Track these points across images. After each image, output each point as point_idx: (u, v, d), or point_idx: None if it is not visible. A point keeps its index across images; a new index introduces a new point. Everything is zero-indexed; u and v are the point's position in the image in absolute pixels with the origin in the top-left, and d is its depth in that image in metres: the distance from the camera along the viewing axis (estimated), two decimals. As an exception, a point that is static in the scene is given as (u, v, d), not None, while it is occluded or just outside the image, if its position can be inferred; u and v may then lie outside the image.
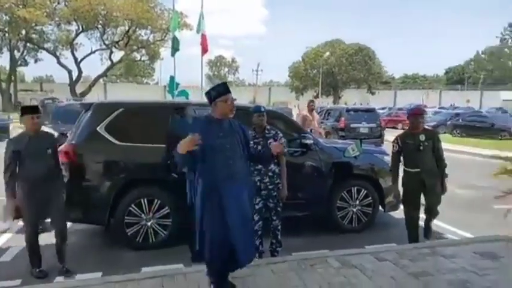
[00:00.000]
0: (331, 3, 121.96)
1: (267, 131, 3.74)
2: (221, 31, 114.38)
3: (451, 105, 43.59)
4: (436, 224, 4.64)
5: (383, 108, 31.34)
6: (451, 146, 13.17)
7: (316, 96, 44.52)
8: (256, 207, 3.66)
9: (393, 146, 4.20)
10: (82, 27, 29.05)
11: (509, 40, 55.34)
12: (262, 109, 3.78)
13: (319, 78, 43.06)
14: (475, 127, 17.96)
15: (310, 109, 7.74)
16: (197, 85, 16.21)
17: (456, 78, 68.60)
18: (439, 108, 36.09)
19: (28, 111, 3.46)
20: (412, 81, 72.22)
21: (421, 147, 3.97)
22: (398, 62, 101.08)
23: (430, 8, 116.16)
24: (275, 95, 52.66)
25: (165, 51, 32.36)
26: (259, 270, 3.32)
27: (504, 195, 4.23)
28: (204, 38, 12.99)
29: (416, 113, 4.13)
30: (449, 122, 20.31)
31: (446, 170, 4.15)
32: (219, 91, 2.69)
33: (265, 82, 72.16)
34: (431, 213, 4.18)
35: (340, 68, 47.57)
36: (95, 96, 29.87)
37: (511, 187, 4.25)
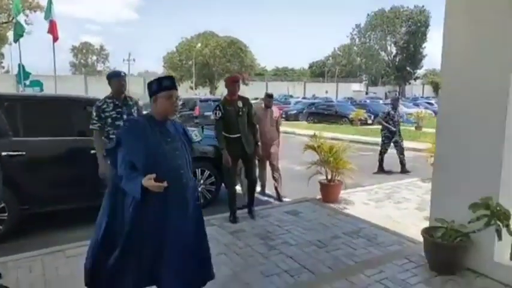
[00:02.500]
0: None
1: (129, 99, 3.73)
2: (88, 15, 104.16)
3: (312, 95, 49.16)
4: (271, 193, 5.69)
5: (256, 99, 33.49)
6: (303, 131, 15.19)
7: (192, 88, 45.08)
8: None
9: (215, 113, 4.26)
10: None
11: (357, 39, 64.45)
12: (123, 74, 3.71)
13: (193, 69, 43.32)
14: (324, 114, 20.97)
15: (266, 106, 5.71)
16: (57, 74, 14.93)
17: (318, 72, 76.80)
18: (302, 98, 40.23)
19: None
20: (282, 74, 78.37)
21: (240, 113, 4.23)
22: (271, 55, 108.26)
23: (296, 7, 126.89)
24: (150, 86, 50.98)
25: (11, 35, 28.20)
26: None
27: (310, 166, 5.38)
28: (53, 25, 12.01)
29: (233, 80, 4.35)
30: (305, 111, 23.09)
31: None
32: (161, 84, 2.20)
33: (140, 72, 69.08)
34: (252, 178, 4.51)
35: (214, 59, 48.76)
36: None
37: (314, 159, 5.43)
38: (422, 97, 44.43)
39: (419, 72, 64.69)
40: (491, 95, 3.00)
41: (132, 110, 3.68)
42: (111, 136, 3.52)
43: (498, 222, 2.82)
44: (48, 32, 12.12)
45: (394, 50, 60.87)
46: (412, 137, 12.11)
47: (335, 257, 3.48)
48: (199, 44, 43.83)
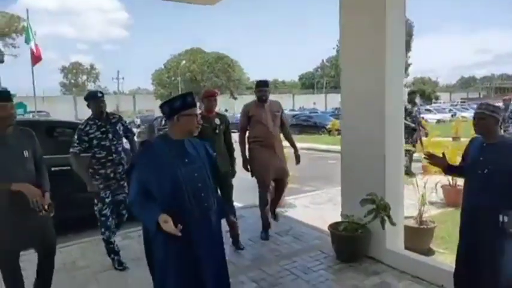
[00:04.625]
0: (195, 12, 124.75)
1: (111, 117, 3.62)
2: (78, 35, 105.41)
3: (300, 107, 50.04)
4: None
5: None
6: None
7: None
8: (107, 200, 3.49)
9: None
10: None
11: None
12: (100, 94, 3.59)
13: (182, 85, 44.08)
14: (304, 125, 21.62)
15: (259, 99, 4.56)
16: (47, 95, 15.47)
17: (308, 83, 77.98)
18: (290, 110, 41.04)
19: None
20: (273, 87, 79.49)
21: (217, 131, 3.88)
22: (262, 69, 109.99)
23: (285, 19, 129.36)
24: (141, 103, 51.66)
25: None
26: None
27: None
28: (36, 48, 12.63)
29: (209, 95, 3.93)
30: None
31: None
32: (186, 102, 2.07)
33: (132, 90, 69.75)
34: (229, 198, 3.99)
35: (202, 75, 49.67)
36: None
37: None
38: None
39: (408, 80, 66.19)
40: (372, 100, 3.54)
41: (117, 128, 3.59)
42: (97, 156, 3.47)
43: (381, 214, 3.32)
44: (32, 55, 12.70)
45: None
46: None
47: (259, 252, 3.95)
48: (184, 61, 44.63)
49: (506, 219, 2.27)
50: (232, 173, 4.11)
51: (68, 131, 5.38)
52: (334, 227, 3.75)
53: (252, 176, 4.32)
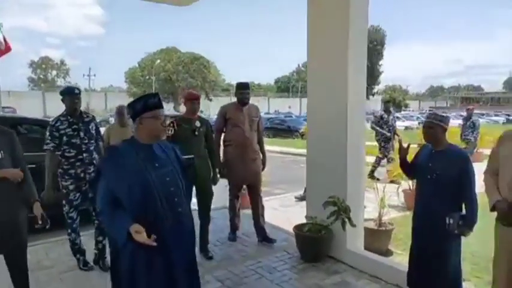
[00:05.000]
0: (171, 11, 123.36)
1: (84, 115, 3.54)
2: (50, 29, 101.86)
3: (275, 110, 50.49)
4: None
5: None
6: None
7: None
8: (75, 203, 3.45)
9: (168, 129, 3.83)
10: None
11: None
12: (77, 91, 3.50)
13: (156, 84, 43.58)
14: (278, 129, 21.93)
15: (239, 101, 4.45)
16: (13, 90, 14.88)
17: (284, 87, 78.69)
18: (265, 113, 41.33)
19: None
20: (253, 88, 79.79)
21: (196, 133, 3.78)
22: (238, 71, 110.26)
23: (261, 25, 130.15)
24: (113, 101, 50.59)
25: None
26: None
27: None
28: (4, 39, 12.20)
29: (192, 98, 3.86)
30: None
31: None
32: (147, 103, 1.97)
33: (104, 87, 68.09)
34: (207, 207, 3.98)
35: (177, 75, 49.25)
36: None
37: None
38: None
39: (379, 87, 68.11)
40: (334, 104, 3.72)
41: (90, 127, 3.52)
42: (66, 154, 3.40)
43: (342, 216, 3.49)
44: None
45: (352, 67, 63.65)
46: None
47: (226, 253, 4.03)
48: (158, 60, 44.15)
49: (451, 221, 2.47)
50: (214, 180, 3.98)
51: (35, 127, 5.29)
52: (299, 228, 3.90)
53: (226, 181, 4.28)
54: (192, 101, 3.83)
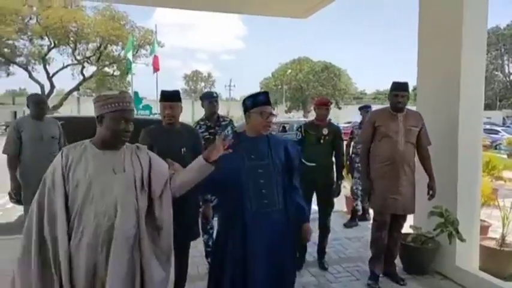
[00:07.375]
0: (303, 23, 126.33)
1: (221, 119, 3.57)
2: (200, 46, 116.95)
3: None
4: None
5: (348, 122, 32.20)
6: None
7: (287, 111, 47.21)
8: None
9: (296, 134, 3.88)
10: (54, 43, 30.14)
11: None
12: (215, 94, 3.59)
13: (288, 93, 45.35)
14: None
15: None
16: (157, 99, 18.32)
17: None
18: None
19: None
20: (383, 97, 75.67)
21: (322, 141, 3.65)
22: (371, 78, 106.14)
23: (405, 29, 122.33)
24: (248, 109, 54.68)
25: (136, 66, 33.69)
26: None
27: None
28: (155, 59, 15.04)
29: (320, 103, 3.75)
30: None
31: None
32: (256, 100, 2.13)
33: (242, 96, 74.25)
34: (325, 216, 3.74)
35: (308, 84, 50.28)
36: (68, 110, 30.92)
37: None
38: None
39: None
40: (446, 104, 3.46)
41: (227, 130, 3.49)
42: None
43: (449, 228, 3.20)
44: (152, 65, 15.13)
45: (512, 70, 54.33)
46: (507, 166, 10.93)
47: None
48: (289, 70, 45.79)
49: None
50: (336, 190, 3.69)
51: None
52: (403, 237, 3.70)
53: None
54: (321, 106, 3.73)
